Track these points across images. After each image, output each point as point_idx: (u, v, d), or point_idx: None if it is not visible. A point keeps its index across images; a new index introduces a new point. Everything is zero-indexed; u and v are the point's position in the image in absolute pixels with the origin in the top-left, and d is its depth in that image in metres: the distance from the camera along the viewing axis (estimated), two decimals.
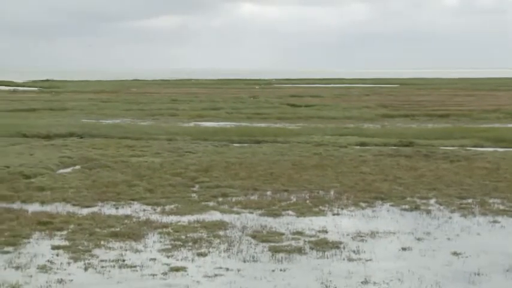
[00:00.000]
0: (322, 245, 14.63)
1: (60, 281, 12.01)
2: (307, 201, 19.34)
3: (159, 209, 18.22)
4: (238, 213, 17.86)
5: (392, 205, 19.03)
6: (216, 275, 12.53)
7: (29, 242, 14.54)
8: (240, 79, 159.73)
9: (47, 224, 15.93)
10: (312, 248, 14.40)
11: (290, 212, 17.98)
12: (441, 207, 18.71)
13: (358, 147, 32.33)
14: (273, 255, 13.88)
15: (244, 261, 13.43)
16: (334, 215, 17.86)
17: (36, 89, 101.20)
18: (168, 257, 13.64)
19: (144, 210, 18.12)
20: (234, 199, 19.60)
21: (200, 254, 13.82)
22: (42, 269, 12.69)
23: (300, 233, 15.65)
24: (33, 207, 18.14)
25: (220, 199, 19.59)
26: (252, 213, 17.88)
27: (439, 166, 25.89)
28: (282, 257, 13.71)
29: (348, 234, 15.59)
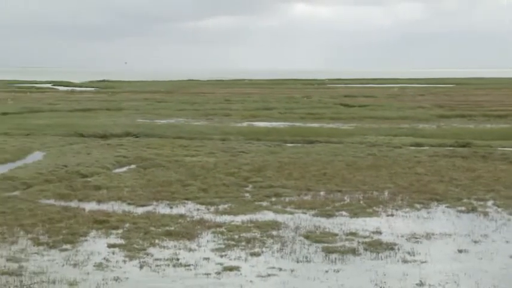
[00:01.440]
0: (376, 246, 14.50)
1: (116, 279, 12.19)
2: (361, 202, 19.19)
3: (212, 208, 18.34)
4: (291, 213, 17.84)
5: (448, 206, 18.74)
6: (269, 275, 12.54)
7: (86, 240, 14.80)
8: (293, 79, 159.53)
9: (103, 223, 16.19)
10: (365, 249, 14.29)
11: (343, 213, 17.87)
12: (499, 209, 18.33)
13: (412, 147, 31.95)
14: (326, 255, 13.82)
15: (298, 262, 13.41)
16: (388, 216, 17.68)
17: (92, 89, 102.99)
18: (221, 256, 13.71)
19: (198, 209, 18.26)
20: (287, 199, 19.59)
21: (253, 254, 13.85)
22: (99, 266, 12.90)
23: (354, 234, 15.54)
24: (90, 206, 18.46)
25: (273, 199, 19.60)
26: (305, 213, 17.84)
27: (497, 167, 25.39)
28: (335, 258, 13.64)
29: (402, 236, 15.42)
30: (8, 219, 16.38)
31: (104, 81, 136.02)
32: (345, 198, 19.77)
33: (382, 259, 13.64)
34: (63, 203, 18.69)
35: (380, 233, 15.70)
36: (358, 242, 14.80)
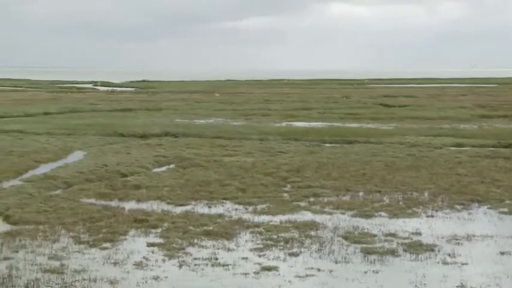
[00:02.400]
0: (416, 247, 14.36)
1: (156, 278, 12.28)
2: (400, 203, 19.03)
3: (251, 208, 18.36)
4: (330, 213, 17.77)
5: (489, 208, 18.47)
6: (307, 275, 12.51)
7: (126, 239, 14.94)
8: (331, 79, 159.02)
9: (142, 222, 16.33)
10: (405, 250, 14.16)
11: (383, 213, 17.74)
12: None
13: (453, 148, 31.57)
14: (365, 256, 13.73)
15: (336, 262, 13.35)
16: (428, 217, 17.50)
17: (132, 89, 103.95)
18: (259, 256, 13.72)
19: (236, 209, 18.30)
20: (325, 199, 19.52)
21: (292, 254, 13.83)
22: (138, 265, 13.01)
23: (393, 235, 15.41)
24: (130, 205, 18.63)
25: (311, 199, 19.55)
26: (343, 213, 17.75)
27: None
28: (374, 259, 13.54)
29: (442, 237, 15.24)
30: (50, 218, 16.63)
31: (143, 81, 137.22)
32: (384, 198, 19.62)
33: (421, 260, 13.51)
34: (103, 202, 18.90)
35: (420, 234, 15.55)
36: (398, 243, 14.68)
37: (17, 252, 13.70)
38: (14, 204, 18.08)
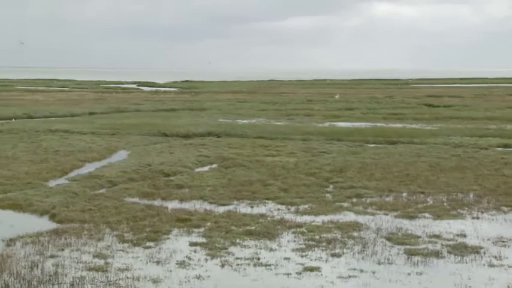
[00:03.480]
0: (461, 249, 14.15)
1: (198, 277, 12.33)
2: (445, 204, 18.78)
3: (293, 208, 18.32)
4: (372, 214, 17.63)
5: None
6: (350, 276, 12.42)
7: (169, 238, 15.04)
8: (375, 79, 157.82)
9: (185, 221, 16.42)
10: (449, 252, 13.97)
11: (426, 215, 17.52)
12: None
13: (500, 149, 31.05)
14: (408, 258, 13.58)
15: (379, 263, 13.24)
16: (473, 218, 17.23)
17: (176, 89, 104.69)
18: (302, 256, 13.68)
19: (279, 209, 18.28)
20: (368, 200, 19.37)
21: (334, 255, 13.76)
22: (181, 264, 13.08)
23: (437, 236, 15.22)
24: (173, 204, 18.75)
25: (354, 200, 19.43)
26: (387, 214, 17.59)
27: None
28: (418, 260, 13.39)
29: (488, 239, 14.99)
30: (95, 217, 16.84)
31: (187, 81, 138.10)
32: (428, 200, 19.39)
33: (467, 263, 13.30)
34: (146, 201, 19.06)
35: (465, 235, 15.32)
36: (442, 245, 14.48)
37: (63, 250, 13.90)
38: (60, 203, 18.37)
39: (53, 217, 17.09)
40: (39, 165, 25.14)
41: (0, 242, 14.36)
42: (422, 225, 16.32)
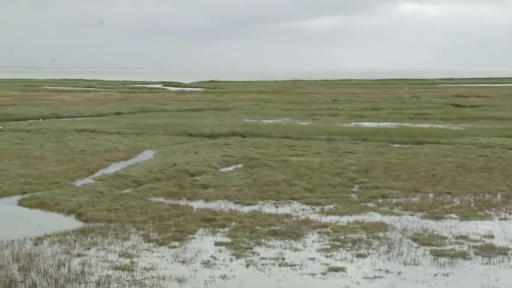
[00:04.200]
0: (488, 250, 14.01)
1: (223, 277, 12.35)
2: (472, 205, 18.61)
3: (318, 208, 18.28)
4: (398, 215, 17.53)
5: None
6: (375, 277, 12.37)
7: (194, 238, 15.09)
8: (401, 79, 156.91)
9: (210, 221, 16.46)
10: (476, 254, 13.84)
11: (453, 215, 17.38)
12: None
13: None
14: (435, 259, 13.48)
15: (405, 264, 13.15)
16: (501, 219, 17.05)
17: (201, 89, 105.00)
18: (327, 256, 13.64)
19: (304, 209, 18.25)
20: (394, 200, 19.27)
21: (359, 255, 13.70)
22: (206, 264, 13.12)
23: (464, 237, 15.08)
24: (198, 204, 18.80)
25: (380, 200, 19.33)
26: (412, 215, 17.48)
27: None
28: (444, 262, 13.28)
29: None
30: (121, 216, 16.94)
31: (212, 81, 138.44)
32: (455, 200, 19.23)
33: (494, 264, 13.17)
34: (172, 201, 19.14)
35: (492, 237, 15.17)
36: (469, 246, 14.36)
37: (89, 249, 14.01)
38: (86, 202, 18.51)
39: (79, 216, 17.23)
40: (66, 164, 25.36)
41: (28, 241, 14.50)
42: (449, 226, 16.19)
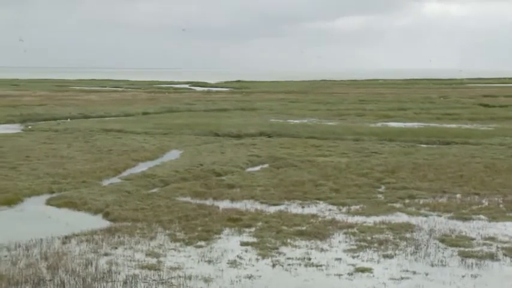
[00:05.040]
0: None
1: (249, 277, 12.36)
2: (501, 206, 18.41)
3: (344, 209, 18.22)
4: (425, 215, 17.41)
5: None
6: (402, 278, 12.29)
7: (220, 238, 15.12)
8: (428, 79, 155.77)
9: (236, 221, 16.48)
10: (505, 255, 13.68)
11: (481, 216, 17.21)
12: None
13: None
14: (462, 260, 13.36)
15: (432, 265, 13.06)
16: None
17: (227, 89, 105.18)
18: (353, 257, 13.59)
19: (330, 209, 18.20)
20: (421, 201, 19.13)
21: (386, 256, 13.63)
22: (232, 264, 13.13)
23: (492, 239, 14.93)
24: (224, 204, 18.83)
25: (407, 201, 19.21)
26: (440, 216, 17.34)
27: None
28: (472, 263, 13.16)
29: None
30: (148, 216, 17.03)
31: (238, 81, 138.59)
32: (483, 201, 19.03)
33: None
34: (198, 201, 19.20)
35: None
36: (497, 247, 14.20)
37: (116, 248, 14.10)
38: (113, 202, 18.64)
39: (106, 215, 17.36)
40: (94, 164, 25.56)
41: (56, 240, 14.64)
42: (477, 227, 16.03)
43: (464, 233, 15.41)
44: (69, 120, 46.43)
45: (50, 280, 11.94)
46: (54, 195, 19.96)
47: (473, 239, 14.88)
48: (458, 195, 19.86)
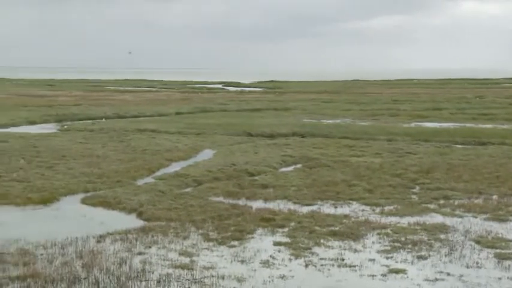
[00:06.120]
0: None
1: (282, 277, 12.34)
2: None
3: (378, 209, 18.10)
4: (460, 216, 17.21)
5: None
6: (436, 279, 12.16)
7: (253, 238, 15.12)
8: (463, 78, 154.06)
9: (269, 221, 16.47)
10: None
11: None
12: None
13: None
14: (499, 262, 13.17)
15: (468, 267, 12.90)
16: None
17: (260, 89, 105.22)
18: (387, 258, 13.49)
19: (363, 210, 18.09)
20: (456, 202, 18.92)
21: (420, 257, 13.50)
22: (265, 264, 13.13)
23: None
24: (257, 204, 18.84)
25: (441, 201, 19.02)
26: (475, 217, 17.13)
27: None
28: (509, 265, 12.97)
29: None
30: (181, 215, 17.11)
31: (272, 81, 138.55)
32: None
33: None
34: (231, 201, 19.23)
35: None
36: None
37: (150, 247, 14.19)
38: (147, 201, 18.76)
39: (140, 215, 17.47)
40: (128, 164, 25.76)
41: (90, 239, 14.79)
42: None
43: (500, 235, 15.20)
44: (104, 120, 46.88)
45: (85, 278, 12.06)
46: (89, 194, 20.17)
47: (510, 241, 14.67)
48: (494, 196, 19.61)
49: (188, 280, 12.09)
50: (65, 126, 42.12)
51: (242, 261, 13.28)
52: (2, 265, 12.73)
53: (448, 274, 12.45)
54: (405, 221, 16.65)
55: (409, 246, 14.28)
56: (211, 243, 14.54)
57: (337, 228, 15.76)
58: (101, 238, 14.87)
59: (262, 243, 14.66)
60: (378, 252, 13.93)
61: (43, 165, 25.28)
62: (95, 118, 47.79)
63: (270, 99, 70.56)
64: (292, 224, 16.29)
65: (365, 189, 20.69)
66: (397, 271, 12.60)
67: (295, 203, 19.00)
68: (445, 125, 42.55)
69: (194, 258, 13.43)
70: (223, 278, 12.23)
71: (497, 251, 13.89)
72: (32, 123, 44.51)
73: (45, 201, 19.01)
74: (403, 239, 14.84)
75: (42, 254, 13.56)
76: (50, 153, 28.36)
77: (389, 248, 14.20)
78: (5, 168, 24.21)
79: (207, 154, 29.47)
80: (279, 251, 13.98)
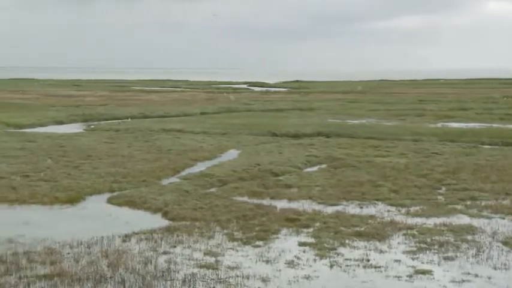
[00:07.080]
0: None
1: (307, 277, 12.31)
2: None
3: (403, 210, 17.98)
4: (488, 217, 17.03)
5: None
6: (463, 281, 12.05)
7: (278, 238, 15.10)
8: (490, 78, 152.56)
9: (294, 221, 16.44)
10: None
11: None
12: None
13: None
14: None
15: (495, 269, 12.76)
16: None
17: (285, 89, 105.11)
18: (413, 259, 13.39)
19: (389, 210, 17.98)
20: (483, 203, 18.73)
21: (447, 258, 13.39)
22: (290, 264, 13.10)
23: None
24: (281, 204, 18.81)
25: (468, 202, 18.84)
26: (503, 218, 16.95)
27: None
28: None
29: None
30: (206, 215, 17.14)
31: (297, 81, 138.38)
32: None
33: None
34: (255, 201, 19.22)
35: None
36: None
37: (175, 247, 14.23)
38: (172, 201, 18.82)
39: (165, 214, 17.53)
40: (153, 163, 25.88)
41: (116, 238, 14.87)
42: None
43: None
44: (129, 120, 47.14)
45: (111, 277, 12.13)
46: (114, 194, 20.29)
47: None
48: None
49: (213, 280, 12.11)
50: (91, 126, 42.45)
51: (267, 261, 13.27)
52: (30, 264, 12.86)
53: (476, 276, 12.33)
54: (431, 221, 16.53)
55: (435, 247, 14.17)
56: (236, 243, 14.55)
57: (362, 229, 15.68)
58: (126, 237, 14.94)
59: (287, 243, 14.64)
60: (404, 253, 13.83)
61: (69, 164, 25.49)
62: (121, 118, 48.09)
63: (295, 99, 70.47)
64: (317, 224, 16.24)
65: (390, 189, 20.57)
66: (423, 272, 12.51)
67: (319, 203, 18.94)
68: (471, 125, 42.19)
69: (219, 258, 13.45)
70: (248, 278, 12.23)
71: None
72: (59, 123, 44.94)
73: (72, 200, 19.16)
74: (429, 240, 14.73)
75: (68, 253, 13.66)
76: (77, 153, 28.59)
77: (415, 248, 14.10)
78: (32, 168, 24.46)
79: (231, 154, 29.51)
80: (304, 251, 13.94)
